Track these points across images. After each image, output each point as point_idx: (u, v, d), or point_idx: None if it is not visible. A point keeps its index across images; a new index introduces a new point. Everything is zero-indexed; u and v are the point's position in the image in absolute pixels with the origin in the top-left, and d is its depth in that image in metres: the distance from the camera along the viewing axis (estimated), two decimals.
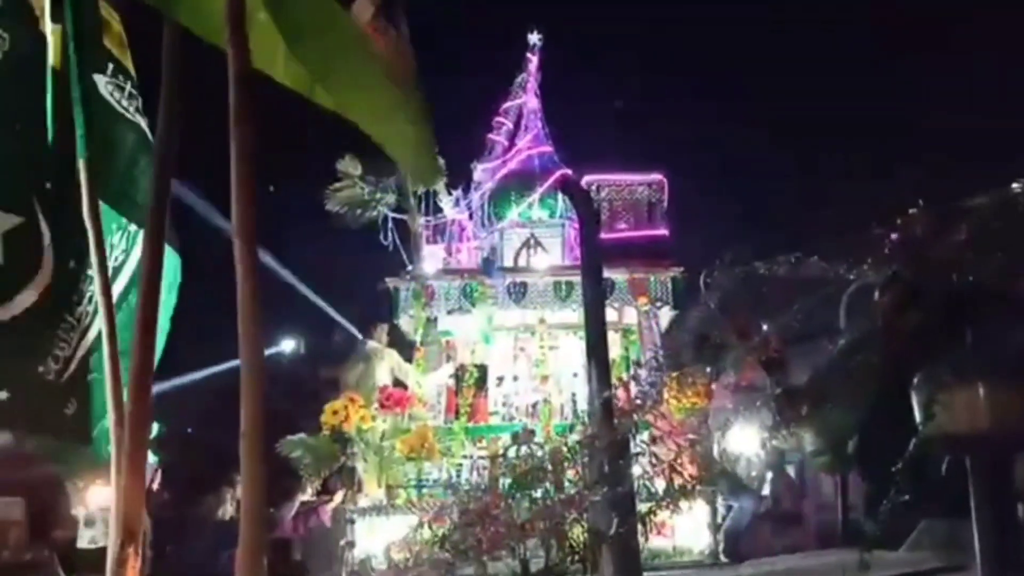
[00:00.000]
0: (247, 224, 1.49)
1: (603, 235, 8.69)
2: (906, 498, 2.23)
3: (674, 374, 2.99)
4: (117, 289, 2.46)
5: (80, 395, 2.41)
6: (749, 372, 2.91)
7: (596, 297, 2.82)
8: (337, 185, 8.58)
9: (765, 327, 2.92)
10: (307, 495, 7.87)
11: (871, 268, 3.00)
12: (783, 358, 3.16)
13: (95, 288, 2.10)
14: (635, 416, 2.72)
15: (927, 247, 2.63)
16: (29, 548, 5.98)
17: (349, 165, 8.55)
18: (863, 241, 2.74)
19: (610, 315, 8.92)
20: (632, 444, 2.59)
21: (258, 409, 1.40)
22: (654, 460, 2.54)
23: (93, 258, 2.04)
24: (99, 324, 2.18)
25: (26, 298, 2.27)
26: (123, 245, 2.60)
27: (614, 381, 3.51)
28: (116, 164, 2.58)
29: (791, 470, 6.29)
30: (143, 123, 2.69)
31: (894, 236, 2.64)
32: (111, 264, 2.41)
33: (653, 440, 2.57)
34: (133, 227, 2.60)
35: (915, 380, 2.62)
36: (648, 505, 2.97)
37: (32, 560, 5.90)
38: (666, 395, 2.80)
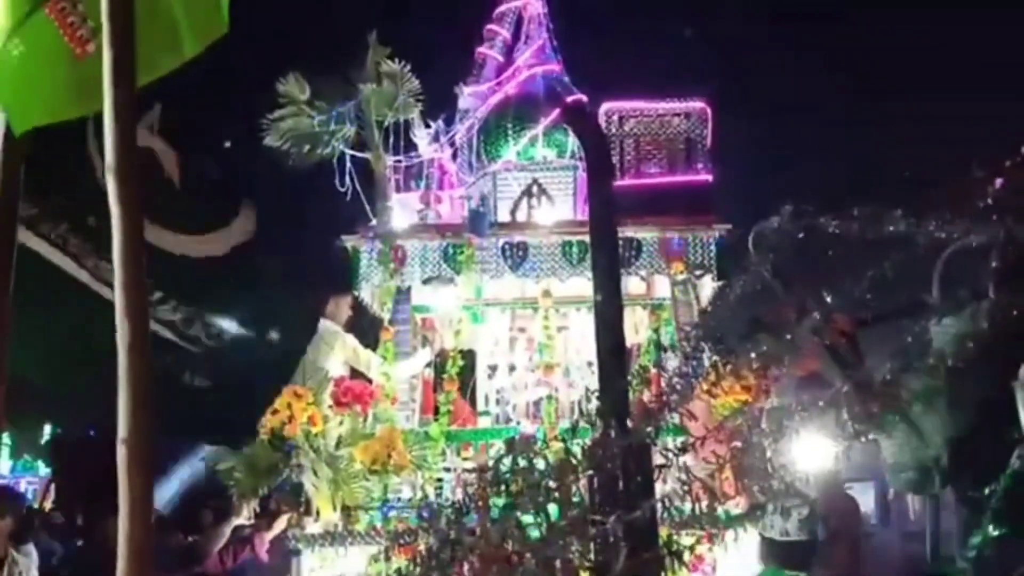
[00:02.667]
0: (124, 157, 1.47)
1: (628, 181, 8.69)
2: (1005, 530, 2.21)
3: (715, 363, 2.96)
4: None
5: None
6: (809, 361, 2.89)
7: (607, 265, 2.80)
8: (279, 113, 8.52)
9: (829, 301, 2.89)
10: (240, 519, 7.91)
11: (974, 225, 2.97)
12: (855, 342, 3.14)
13: None
14: (660, 417, 2.70)
15: None
16: None
17: (294, 87, 8.47)
18: (959, 190, 2.70)
19: (636, 286, 8.97)
20: (655, 453, 2.58)
21: (144, 401, 1.38)
22: (684, 476, 2.52)
23: None
24: None
25: None
26: None
27: (638, 370, 3.49)
28: None
29: (866, 489, 6.31)
30: None
31: (1000, 182, 2.60)
32: None
33: (683, 448, 2.55)
34: None
35: (1022, 373, 2.60)
36: (678, 533, 2.97)
37: None
38: (705, 389, 2.77)
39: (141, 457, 1.36)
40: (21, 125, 2.29)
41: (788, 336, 2.80)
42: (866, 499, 8.83)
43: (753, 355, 2.71)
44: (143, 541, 1.38)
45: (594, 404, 2.73)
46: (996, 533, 2.37)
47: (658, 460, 2.74)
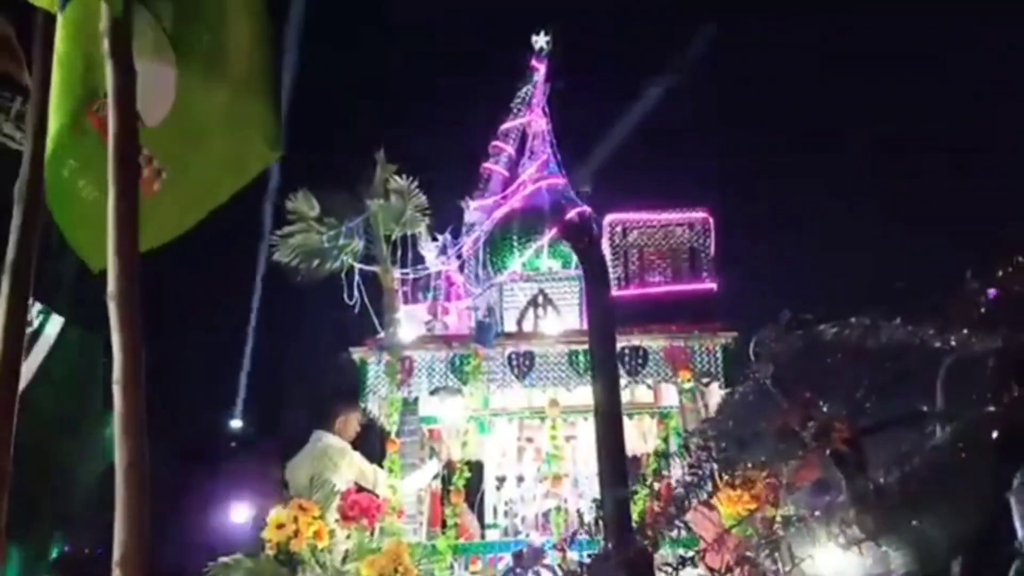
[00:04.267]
0: (126, 279, 1.51)
1: (633, 290, 8.75)
2: None
3: (718, 472, 2.94)
4: None
5: None
6: (810, 469, 2.87)
7: (606, 374, 2.81)
8: (288, 229, 8.66)
9: (826, 409, 2.89)
10: None
11: (973, 333, 2.98)
12: (859, 449, 3.12)
13: None
14: (665, 527, 2.68)
15: None
16: None
17: (303, 203, 8.63)
18: (954, 300, 2.73)
19: (643, 394, 8.94)
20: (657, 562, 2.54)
21: (142, 522, 1.39)
22: None
23: None
24: None
25: None
26: None
27: (642, 479, 3.46)
28: None
29: None
30: None
31: (991, 293, 2.63)
32: None
33: (683, 562, 2.52)
34: None
35: (1016, 482, 2.58)
36: None
37: None
38: (705, 500, 2.75)
39: (139, 571, 1.36)
40: (98, 262, 2.37)
41: (790, 444, 2.79)
42: None
43: (751, 465, 2.70)
44: None
45: (594, 515, 2.70)
46: None
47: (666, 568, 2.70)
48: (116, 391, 1.58)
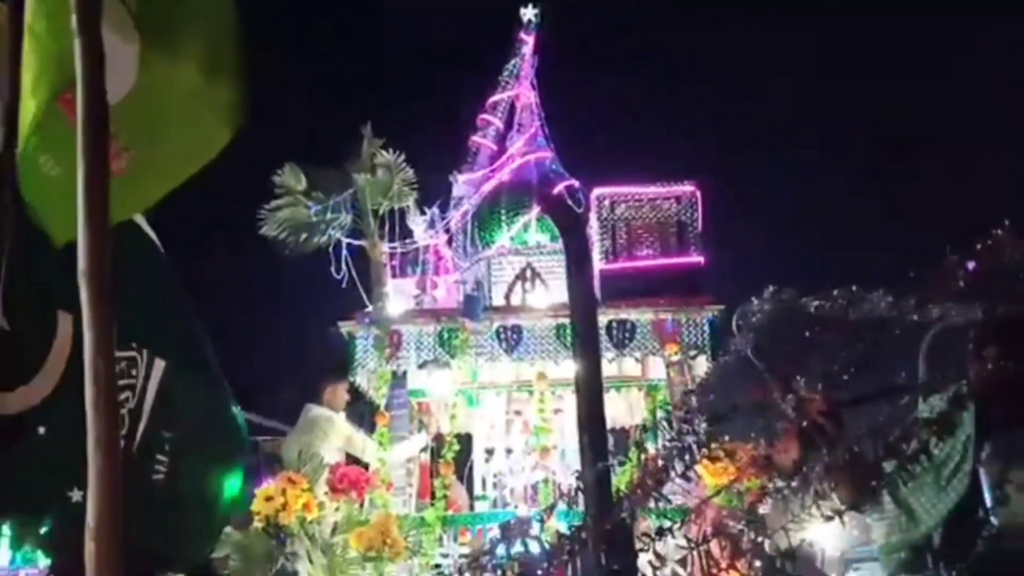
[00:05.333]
0: (96, 257, 1.50)
1: (620, 264, 8.75)
2: None
3: (697, 443, 2.95)
4: None
5: None
6: (789, 441, 2.88)
7: (587, 345, 2.82)
8: (275, 203, 8.63)
9: (809, 381, 2.90)
10: None
11: (956, 305, 2.99)
12: (839, 421, 3.13)
13: None
14: (639, 499, 2.69)
15: (1017, 276, 2.62)
16: None
17: (290, 177, 8.61)
18: (936, 273, 2.73)
19: (631, 368, 8.97)
20: (636, 534, 2.57)
21: (113, 494, 1.38)
22: (657, 556, 2.51)
23: None
24: None
25: None
26: None
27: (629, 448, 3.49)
28: None
29: (875, 570, 6.18)
30: None
31: (971, 265, 2.64)
32: None
33: (660, 531, 2.54)
34: None
35: (984, 454, 2.60)
36: None
37: None
38: (682, 472, 2.76)
39: (112, 550, 1.35)
40: (62, 236, 2.39)
41: (769, 416, 2.81)
42: None
43: (729, 437, 2.71)
44: None
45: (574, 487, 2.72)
46: None
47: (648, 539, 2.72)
48: (87, 367, 1.57)
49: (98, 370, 1.55)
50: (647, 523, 2.77)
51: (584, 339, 2.83)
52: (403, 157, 8.82)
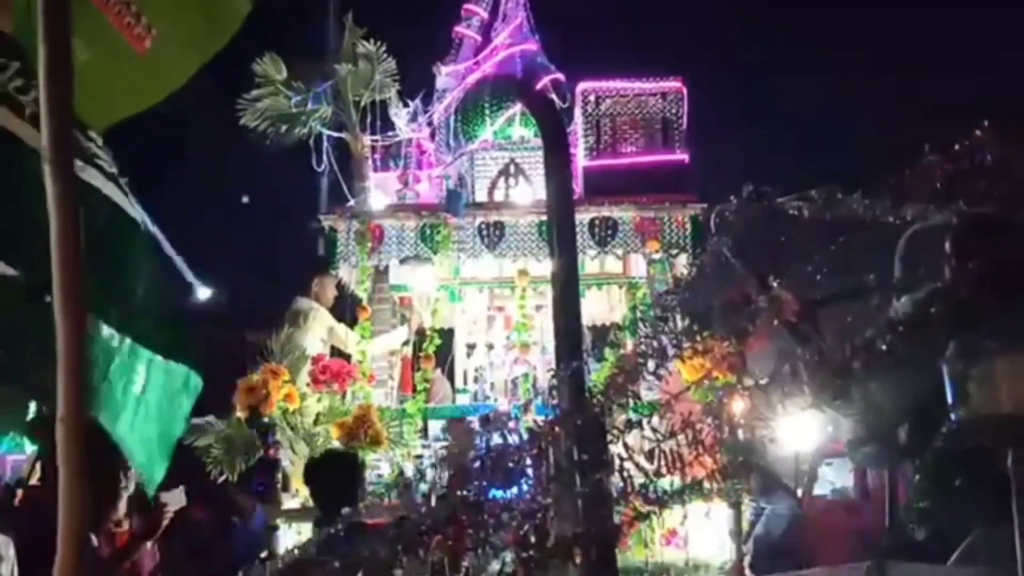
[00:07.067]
0: (61, 151, 1.47)
1: (604, 160, 8.69)
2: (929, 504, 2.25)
3: (673, 339, 2.98)
4: None
5: None
6: (759, 339, 2.92)
7: (563, 240, 2.82)
8: (255, 93, 8.49)
9: (784, 280, 2.91)
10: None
11: (934, 205, 2.99)
12: (814, 320, 3.17)
13: None
14: (623, 392, 2.72)
15: (996, 177, 2.61)
16: None
17: (270, 67, 8.44)
18: (914, 173, 2.72)
19: (612, 265, 9.00)
20: (607, 427, 2.61)
21: (80, 377, 1.40)
22: (626, 448, 2.56)
23: None
24: None
25: None
26: None
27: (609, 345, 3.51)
28: None
29: (844, 464, 6.36)
30: None
31: (949, 166, 2.63)
32: None
33: (629, 424, 2.58)
34: None
35: (948, 350, 2.64)
36: (640, 507, 2.98)
37: None
38: (655, 368, 2.79)
39: (77, 436, 1.37)
40: (98, 123, 2.34)
41: (742, 314, 2.83)
42: (844, 475, 8.89)
43: (706, 334, 2.74)
44: (79, 530, 1.39)
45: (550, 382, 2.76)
46: (922, 506, 2.41)
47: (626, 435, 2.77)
48: (55, 267, 1.55)
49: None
50: (624, 418, 2.82)
51: (560, 234, 2.83)
52: (385, 48, 8.64)
